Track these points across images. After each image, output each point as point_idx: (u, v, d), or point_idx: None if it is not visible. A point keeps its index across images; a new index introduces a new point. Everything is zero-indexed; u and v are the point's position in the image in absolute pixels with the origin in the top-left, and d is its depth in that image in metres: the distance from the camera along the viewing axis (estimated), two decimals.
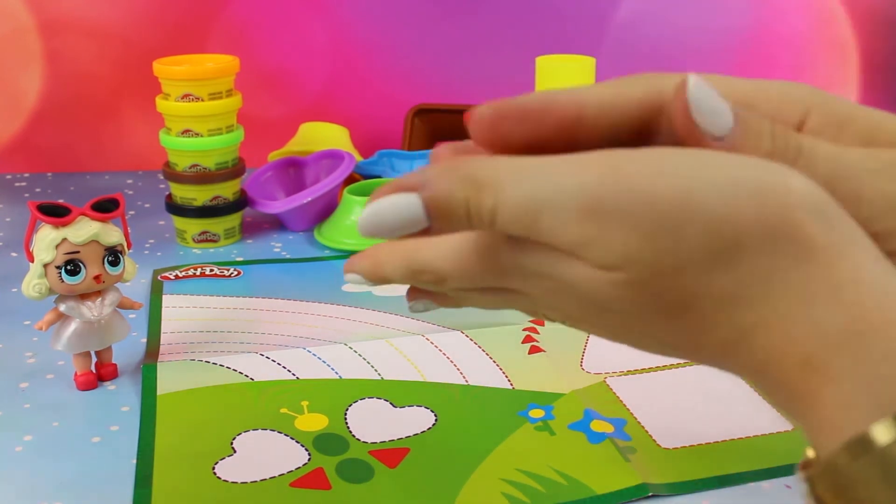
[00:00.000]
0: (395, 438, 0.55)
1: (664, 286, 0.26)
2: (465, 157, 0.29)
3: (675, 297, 0.27)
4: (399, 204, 0.28)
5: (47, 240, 0.56)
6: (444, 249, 0.31)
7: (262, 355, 0.65)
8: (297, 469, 0.52)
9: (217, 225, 0.88)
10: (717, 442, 0.55)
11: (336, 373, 0.63)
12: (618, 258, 0.26)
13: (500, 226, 0.27)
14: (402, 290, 0.77)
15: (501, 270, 0.30)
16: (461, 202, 0.27)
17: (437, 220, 0.28)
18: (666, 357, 0.31)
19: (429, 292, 0.35)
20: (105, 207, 0.59)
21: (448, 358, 0.65)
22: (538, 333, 0.69)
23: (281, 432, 0.55)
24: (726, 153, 0.27)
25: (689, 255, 0.26)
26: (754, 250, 0.26)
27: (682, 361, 0.65)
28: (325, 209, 0.91)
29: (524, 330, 0.69)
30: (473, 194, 0.27)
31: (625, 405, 0.59)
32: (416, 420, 0.57)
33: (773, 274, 0.26)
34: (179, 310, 0.73)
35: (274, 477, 0.51)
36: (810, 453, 0.27)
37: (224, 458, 0.53)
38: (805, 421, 0.26)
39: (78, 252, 0.57)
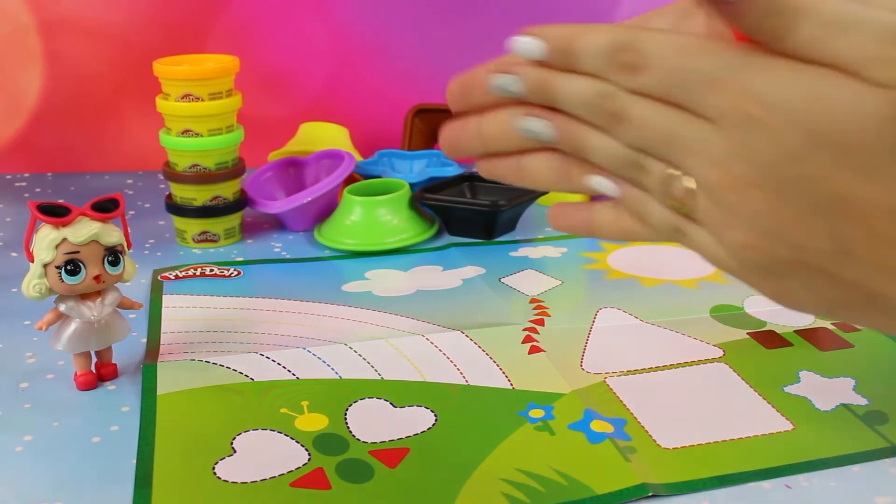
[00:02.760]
0: (395, 438, 0.55)
1: None
2: None
3: None
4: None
5: (47, 240, 0.56)
6: (668, 36, 0.29)
7: (262, 355, 0.65)
8: (297, 469, 0.52)
9: (217, 225, 0.88)
10: (717, 442, 0.55)
11: (336, 373, 0.63)
12: None
13: (799, 32, 0.26)
14: (402, 290, 0.77)
15: (720, 80, 0.27)
16: None
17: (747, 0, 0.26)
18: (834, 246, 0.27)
19: (553, 111, 0.32)
20: (105, 207, 0.59)
21: (448, 358, 0.65)
22: (538, 333, 0.69)
23: (281, 432, 0.55)
24: None
25: None
26: None
27: (681, 361, 0.65)
28: (325, 209, 0.91)
29: (524, 330, 0.69)
30: None
31: (625, 405, 0.59)
32: (416, 420, 0.57)
33: None
34: (179, 310, 0.73)
35: (274, 477, 0.51)
36: None
37: (224, 458, 0.53)
38: None
39: (78, 252, 0.57)
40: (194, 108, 0.84)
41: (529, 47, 0.32)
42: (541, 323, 0.71)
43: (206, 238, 0.88)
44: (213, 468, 0.52)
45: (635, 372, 0.64)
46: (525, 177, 0.35)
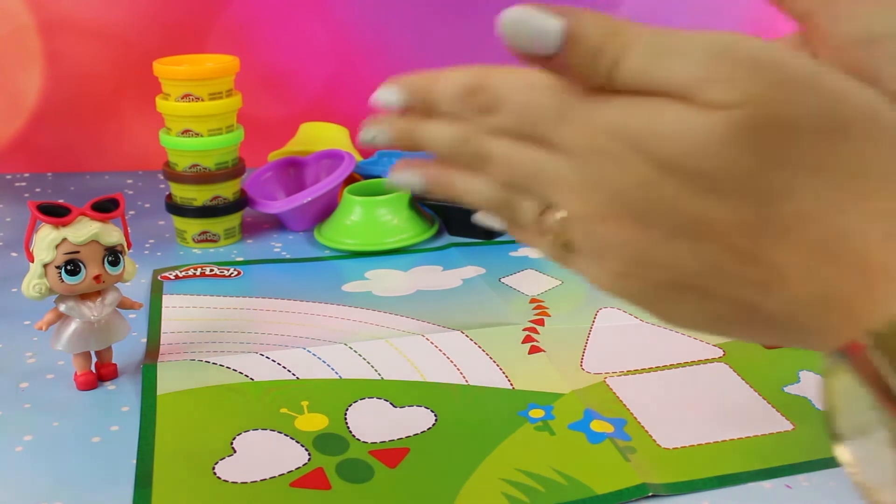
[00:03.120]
0: (395, 438, 0.55)
1: (771, 140, 0.26)
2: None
3: (774, 158, 0.26)
4: (543, 18, 0.28)
5: (47, 240, 0.56)
6: (518, 78, 0.30)
7: (262, 355, 0.65)
8: (297, 469, 0.52)
9: (217, 225, 0.88)
10: (717, 442, 0.55)
11: (336, 373, 0.63)
12: (740, 95, 0.26)
13: (624, 67, 0.27)
14: (402, 290, 0.77)
15: (566, 115, 0.29)
16: (597, 37, 0.27)
17: (566, 50, 0.28)
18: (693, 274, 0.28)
19: (425, 164, 0.34)
20: (105, 207, 0.59)
21: (448, 358, 0.65)
22: (538, 333, 0.69)
23: (281, 432, 0.55)
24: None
25: (807, 116, 0.26)
26: (861, 135, 0.26)
27: (681, 361, 0.65)
28: (325, 209, 0.91)
29: (524, 330, 0.69)
30: (610, 35, 0.27)
31: (625, 405, 0.59)
32: (416, 420, 0.57)
33: (872, 157, 0.26)
34: (179, 310, 0.73)
35: (274, 477, 0.51)
36: (856, 333, 0.26)
37: (224, 458, 0.53)
38: (860, 293, 0.26)
39: (78, 252, 0.57)
40: (194, 108, 0.84)
41: (389, 97, 0.34)
42: (541, 323, 0.71)
43: (206, 238, 0.88)
44: (213, 468, 0.52)
45: (635, 372, 0.64)
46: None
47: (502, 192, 0.32)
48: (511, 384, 0.62)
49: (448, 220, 0.91)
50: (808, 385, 0.62)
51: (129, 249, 0.61)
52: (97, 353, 0.62)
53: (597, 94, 0.28)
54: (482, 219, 0.35)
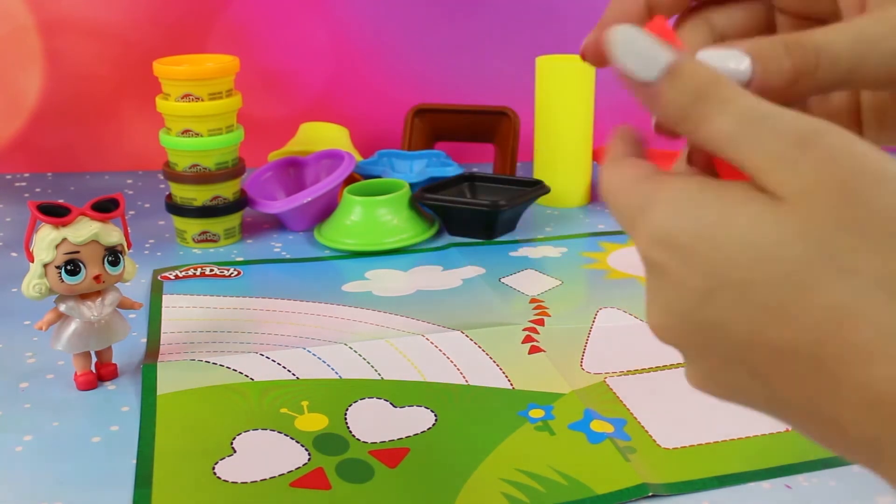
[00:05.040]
0: (395, 438, 0.55)
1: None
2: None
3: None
4: (656, 45, 0.26)
5: (47, 240, 0.56)
6: (608, 177, 0.29)
7: (262, 355, 0.65)
8: (297, 469, 0.52)
9: (217, 225, 0.88)
10: (717, 442, 0.55)
11: (336, 373, 0.63)
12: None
13: (717, 122, 0.25)
14: (402, 290, 0.77)
15: (632, 219, 0.27)
16: (702, 80, 0.26)
17: (667, 81, 0.26)
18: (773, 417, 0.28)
19: None
20: (105, 207, 0.59)
21: (448, 358, 0.65)
22: (538, 333, 0.69)
23: (281, 432, 0.55)
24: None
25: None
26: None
27: (681, 361, 0.65)
28: (325, 209, 0.91)
29: (524, 330, 0.69)
30: (714, 84, 0.26)
31: (625, 405, 0.59)
32: (416, 420, 0.57)
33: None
34: (179, 310, 0.73)
35: (274, 477, 0.51)
36: None
37: (224, 458, 0.53)
38: None
39: (78, 252, 0.57)
40: (194, 108, 0.84)
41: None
42: (541, 323, 0.71)
43: (206, 238, 0.88)
44: (213, 468, 0.52)
45: (635, 372, 0.64)
46: None
47: None
48: (511, 384, 0.62)
49: (448, 220, 0.91)
50: None
51: (129, 249, 0.61)
52: (97, 353, 0.62)
53: (661, 190, 0.26)
54: None
